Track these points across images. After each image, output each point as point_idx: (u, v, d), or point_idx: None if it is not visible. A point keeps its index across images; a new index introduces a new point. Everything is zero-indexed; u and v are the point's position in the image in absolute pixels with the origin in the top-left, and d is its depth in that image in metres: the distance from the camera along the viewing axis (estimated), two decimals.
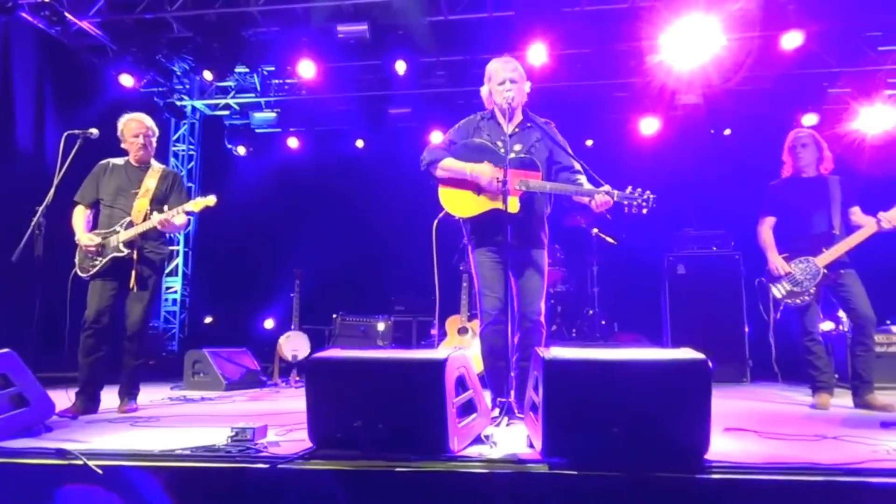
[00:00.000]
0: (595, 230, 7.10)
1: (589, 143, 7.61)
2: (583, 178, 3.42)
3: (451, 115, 7.37)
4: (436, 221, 3.64)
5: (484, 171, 3.33)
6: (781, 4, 6.33)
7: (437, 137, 8.05)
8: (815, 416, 3.95)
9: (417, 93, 8.14)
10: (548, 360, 2.30)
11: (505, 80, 3.46)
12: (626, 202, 3.20)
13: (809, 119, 7.49)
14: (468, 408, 2.68)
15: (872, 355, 4.40)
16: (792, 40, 6.44)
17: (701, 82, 7.26)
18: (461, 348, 5.85)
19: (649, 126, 7.96)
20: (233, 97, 9.11)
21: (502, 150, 3.35)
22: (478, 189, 3.40)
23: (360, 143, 8.85)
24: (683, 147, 7.94)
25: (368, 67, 8.15)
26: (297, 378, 6.72)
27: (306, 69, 7.44)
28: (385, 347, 7.22)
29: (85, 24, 7.18)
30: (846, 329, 4.55)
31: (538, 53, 6.89)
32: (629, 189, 3.20)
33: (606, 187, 3.22)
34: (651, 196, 3.17)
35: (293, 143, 9.06)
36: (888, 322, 5.94)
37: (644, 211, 3.18)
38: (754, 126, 7.60)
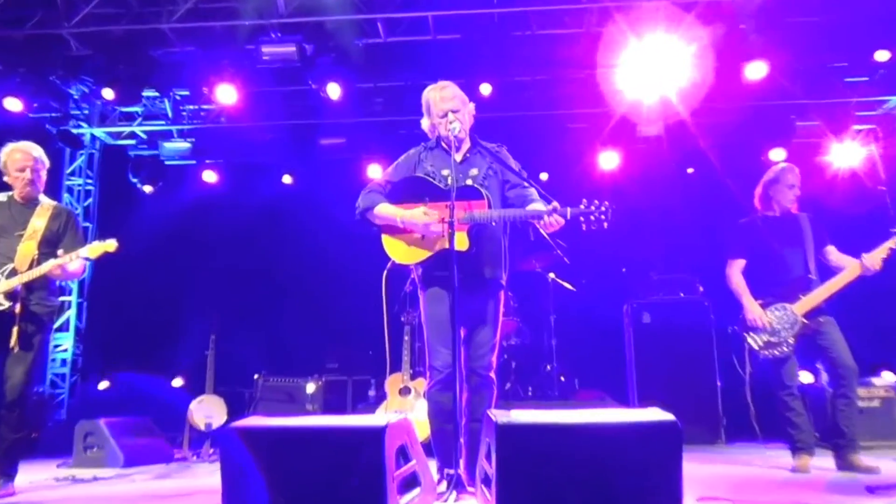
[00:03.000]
0: (551, 275, 7.15)
1: (544, 176, 7.74)
2: (533, 193, 3.49)
3: (390, 147, 7.57)
4: (385, 271, 3.79)
5: (416, 218, 3.42)
6: (744, 34, 6.66)
7: (375, 172, 8.15)
8: (795, 481, 4.02)
9: (352, 121, 8.18)
10: (501, 426, 2.29)
11: (446, 112, 3.55)
12: (581, 218, 3.25)
13: (777, 154, 7.83)
14: (411, 482, 2.63)
15: (855, 409, 4.49)
16: (756, 71, 6.77)
17: (662, 113, 7.53)
18: (403, 412, 5.81)
19: (609, 160, 8.17)
20: (139, 125, 8.98)
21: (448, 182, 3.43)
22: (420, 233, 3.48)
23: (287, 179, 8.80)
24: (646, 183, 8.17)
25: (297, 93, 8.17)
26: (211, 451, 6.50)
27: (226, 94, 7.43)
28: (315, 413, 7.07)
29: None
30: (825, 381, 4.66)
31: (485, 82, 7.06)
32: (583, 203, 3.26)
33: (555, 204, 3.28)
34: (609, 207, 3.23)
35: (210, 177, 8.95)
36: (876, 373, 6.11)
37: (605, 225, 3.22)
38: (721, 160, 7.89)
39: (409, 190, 3.56)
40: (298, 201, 8.77)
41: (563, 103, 7.74)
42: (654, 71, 6.74)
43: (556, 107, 7.80)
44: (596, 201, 3.26)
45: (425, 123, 3.68)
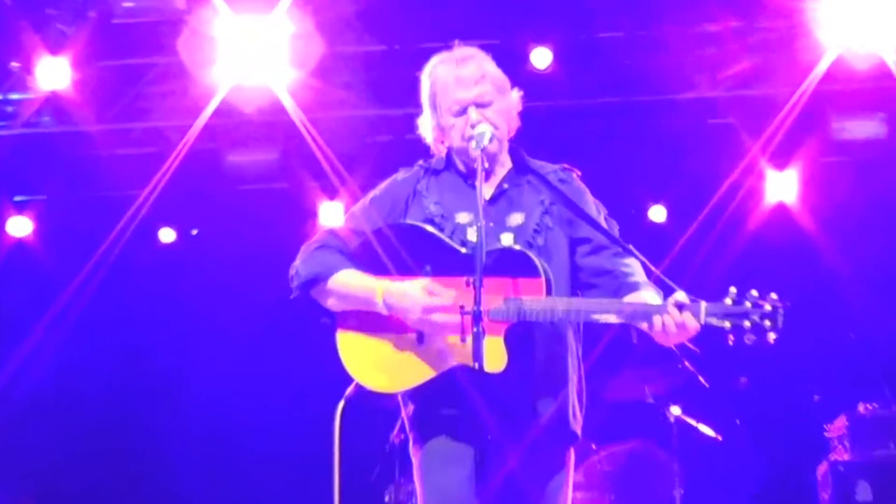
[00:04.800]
0: (675, 410, 4.92)
1: (658, 214, 5.81)
2: (632, 266, 2.41)
3: (369, 170, 5.52)
4: (341, 403, 2.65)
5: (414, 296, 2.30)
6: None
7: (332, 214, 5.93)
8: None
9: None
10: None
11: (465, 107, 2.40)
12: (728, 325, 2.12)
13: None
14: None
15: None
16: None
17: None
18: None
19: (779, 185, 5.77)
20: None
21: (469, 236, 2.35)
22: (415, 331, 2.33)
23: (166, 235, 6.49)
24: (842, 227, 5.72)
25: None
26: None
27: (52, 73, 5.08)
28: None
29: None
30: None
31: (540, 45, 5.08)
32: (731, 295, 2.12)
33: (681, 295, 2.17)
34: (781, 306, 2.12)
35: (19, 228, 6.17)
36: None
37: (771, 338, 2.11)
38: None
39: (395, 249, 2.37)
40: (188, 272, 6.42)
41: (689, 79, 5.28)
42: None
43: (676, 87, 5.31)
44: (753, 293, 2.12)
45: (426, 125, 2.55)
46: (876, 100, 5.29)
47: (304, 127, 5.38)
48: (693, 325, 2.13)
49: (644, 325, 2.21)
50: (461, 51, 2.46)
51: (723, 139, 5.66)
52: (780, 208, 5.76)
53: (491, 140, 2.34)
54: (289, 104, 5.31)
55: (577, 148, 5.60)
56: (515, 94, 2.51)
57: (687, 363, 4.77)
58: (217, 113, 5.38)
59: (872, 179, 5.63)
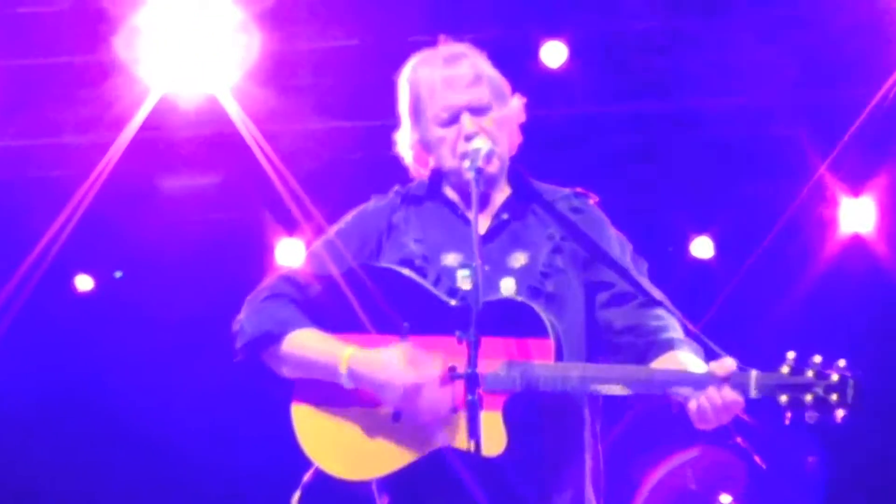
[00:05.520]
0: (726, 500, 4.71)
1: (703, 245, 5.39)
2: (669, 321, 2.21)
3: (342, 198, 5.34)
4: (295, 498, 2.43)
5: (390, 370, 2.11)
6: None
7: (291, 253, 5.40)
8: None
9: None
10: None
11: (457, 114, 2.25)
12: (784, 398, 1.94)
13: None
14: None
15: None
16: None
17: None
18: None
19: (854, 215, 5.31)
20: None
21: (460, 282, 2.20)
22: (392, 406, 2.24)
23: (83, 283, 5.82)
24: None
25: None
26: None
27: None
28: None
29: None
30: None
31: (552, 38, 4.70)
32: (788, 362, 1.93)
33: (727, 362, 1.97)
34: (851, 379, 1.90)
35: None
36: None
37: (839, 416, 1.91)
38: None
39: (368, 298, 2.26)
40: (109, 326, 5.76)
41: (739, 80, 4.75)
42: None
43: (722, 89, 4.79)
44: (816, 359, 1.89)
45: (405, 141, 2.40)
46: None
47: (255, 143, 4.83)
48: (739, 401, 2.01)
49: (680, 394, 2.11)
50: (448, 48, 2.37)
51: (783, 155, 5.04)
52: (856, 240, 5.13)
53: (489, 158, 2.20)
54: (236, 115, 4.82)
55: (596, 166, 5.12)
56: (517, 102, 2.39)
57: (740, 439, 4.61)
58: (145, 126, 4.85)
59: None
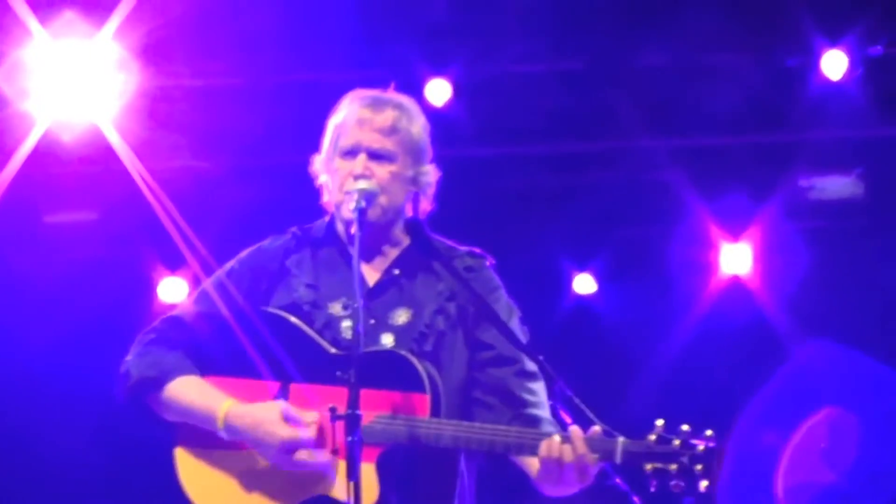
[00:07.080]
0: None
1: (585, 282, 5.55)
2: (541, 397, 2.27)
3: (241, 236, 5.09)
4: None
5: (266, 428, 2.15)
6: None
7: (175, 291, 5.28)
8: None
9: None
10: None
11: (358, 149, 2.25)
12: (649, 468, 1.98)
13: None
14: None
15: None
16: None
17: None
18: None
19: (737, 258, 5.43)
20: None
21: (343, 332, 2.24)
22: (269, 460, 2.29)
23: None
24: None
25: None
26: None
27: None
28: None
29: None
30: None
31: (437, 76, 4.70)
32: (656, 431, 1.96)
33: (598, 432, 2.03)
34: (712, 445, 1.98)
35: None
36: None
37: (702, 486, 1.94)
38: None
39: (259, 342, 2.27)
40: None
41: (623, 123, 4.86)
42: None
43: (607, 132, 4.96)
44: (684, 428, 1.95)
45: (316, 165, 2.39)
46: None
47: (139, 177, 4.64)
48: (589, 462, 2.01)
49: (529, 461, 2.15)
50: (387, 95, 2.35)
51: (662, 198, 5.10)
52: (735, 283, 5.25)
53: (371, 202, 2.17)
54: (119, 147, 4.67)
55: (481, 203, 4.99)
56: (430, 169, 2.35)
57: (619, 480, 4.59)
58: (28, 160, 4.63)
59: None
